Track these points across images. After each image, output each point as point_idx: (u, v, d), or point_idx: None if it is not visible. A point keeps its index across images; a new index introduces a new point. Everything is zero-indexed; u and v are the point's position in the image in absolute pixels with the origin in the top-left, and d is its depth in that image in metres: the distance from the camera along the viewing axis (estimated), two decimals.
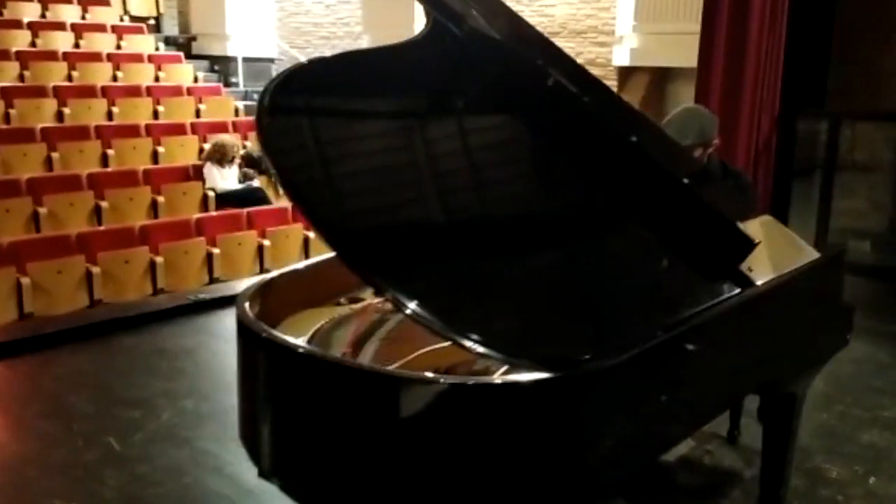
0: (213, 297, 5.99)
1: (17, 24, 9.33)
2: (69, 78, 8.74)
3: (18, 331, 5.35)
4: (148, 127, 8.23)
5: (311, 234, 7.40)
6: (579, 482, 1.98)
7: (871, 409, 4.30)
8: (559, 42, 3.50)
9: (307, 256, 7.43)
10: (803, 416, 3.15)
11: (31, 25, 9.42)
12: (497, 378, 2.01)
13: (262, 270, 7.12)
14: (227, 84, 10.18)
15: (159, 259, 6.47)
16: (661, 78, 7.49)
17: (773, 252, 2.61)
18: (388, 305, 2.65)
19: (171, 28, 11.24)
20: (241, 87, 10.39)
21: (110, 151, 7.78)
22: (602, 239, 2.43)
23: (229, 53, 10.73)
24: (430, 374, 2.00)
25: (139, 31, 10.21)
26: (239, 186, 7.81)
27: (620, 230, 2.46)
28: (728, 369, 2.44)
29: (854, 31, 6.79)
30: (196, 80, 9.64)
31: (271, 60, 11.01)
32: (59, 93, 8.24)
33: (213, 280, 6.80)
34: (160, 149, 8.06)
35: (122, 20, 10.47)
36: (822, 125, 6.83)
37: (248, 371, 2.23)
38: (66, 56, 9.00)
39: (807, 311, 2.88)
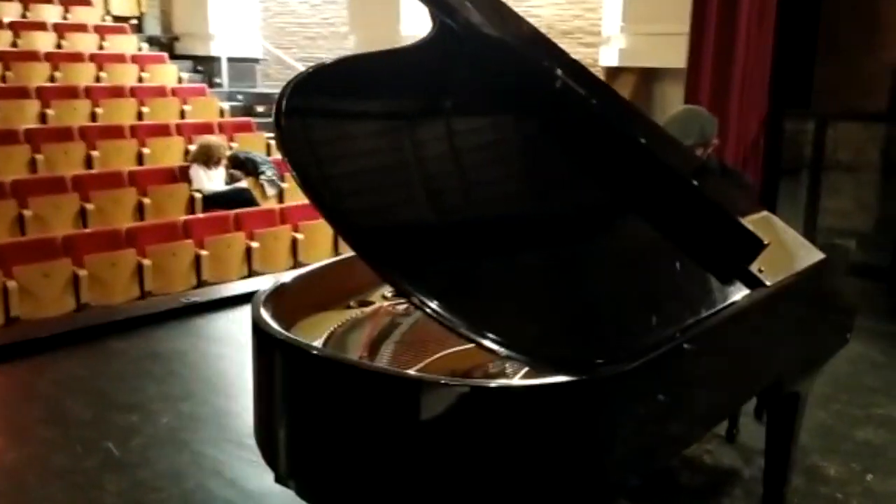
0: (206, 300, 5.96)
1: None
2: (52, 79, 8.66)
3: (7, 335, 5.29)
4: (132, 128, 8.17)
5: (300, 236, 7.38)
6: (598, 485, 1.98)
7: (866, 407, 4.34)
8: None
9: (295, 258, 7.41)
10: None
11: (11, 25, 9.32)
12: (517, 381, 2.01)
13: (251, 273, 7.09)
14: (211, 84, 10.11)
15: (147, 262, 6.43)
16: (648, 78, 7.51)
17: (780, 251, 2.63)
18: (400, 308, 2.66)
19: (153, 28, 11.16)
20: (226, 88, 10.33)
21: (95, 153, 7.72)
22: (615, 241, 2.44)
23: (213, 53, 10.66)
24: (451, 378, 1.99)
25: (121, 31, 10.13)
26: (226, 188, 7.77)
27: (633, 232, 2.47)
28: (740, 369, 2.47)
29: (839, 32, 6.86)
30: (180, 80, 9.57)
31: (256, 61, 10.96)
32: (41, 94, 8.16)
33: (201, 283, 6.76)
34: (145, 150, 8.00)
35: (103, 20, 10.38)
36: (809, 125, 6.90)
37: (265, 374, 2.22)
38: (48, 56, 8.91)
39: (813, 310, 2.92)
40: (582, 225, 2.43)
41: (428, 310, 1.88)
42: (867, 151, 6.80)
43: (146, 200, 7.29)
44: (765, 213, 3.02)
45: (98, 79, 8.90)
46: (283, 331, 2.16)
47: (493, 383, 2.00)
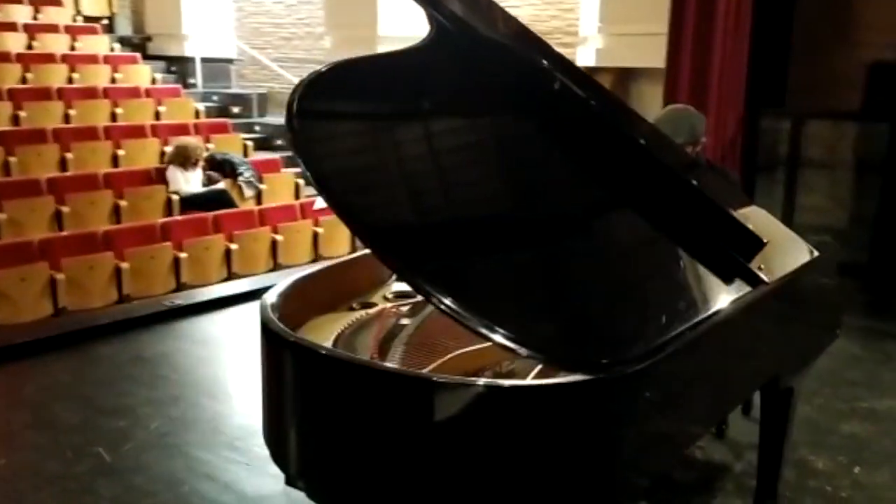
0: (190, 303, 5.92)
1: None
2: (23, 80, 8.54)
3: None
4: (107, 129, 8.07)
5: (280, 238, 7.35)
6: (612, 485, 2.00)
7: (849, 400, 4.42)
8: None
9: (275, 260, 7.38)
10: None
11: None
12: (531, 380, 2.02)
13: (230, 275, 7.04)
14: (185, 85, 10.02)
15: (125, 265, 6.35)
16: (625, 78, 7.57)
17: (775, 248, 2.67)
18: (403, 309, 2.68)
19: (124, 28, 11.03)
20: (200, 89, 10.24)
21: (69, 155, 7.62)
22: (621, 241, 2.46)
23: (187, 54, 10.57)
24: (468, 377, 2.00)
25: (93, 31, 10.01)
26: (203, 189, 7.70)
27: (637, 232, 2.49)
28: (742, 366, 2.51)
29: (813, 33, 6.97)
30: (154, 81, 9.48)
31: (230, 61, 10.88)
32: (13, 95, 8.04)
33: (180, 285, 6.70)
34: (120, 152, 7.91)
35: (74, 20, 10.25)
36: (784, 124, 7.00)
37: (276, 376, 2.22)
38: (19, 57, 8.78)
39: (807, 307, 2.97)
40: (588, 225, 2.45)
41: (444, 307, 1.88)
42: (841, 149, 6.91)
43: (122, 203, 7.21)
44: (753, 207, 3.08)
45: (70, 80, 8.78)
46: (293, 333, 2.16)
47: (507, 382, 2.01)
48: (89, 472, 3.60)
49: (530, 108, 2.60)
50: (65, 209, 6.87)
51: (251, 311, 6.06)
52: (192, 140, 7.96)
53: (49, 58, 8.94)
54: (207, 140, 8.38)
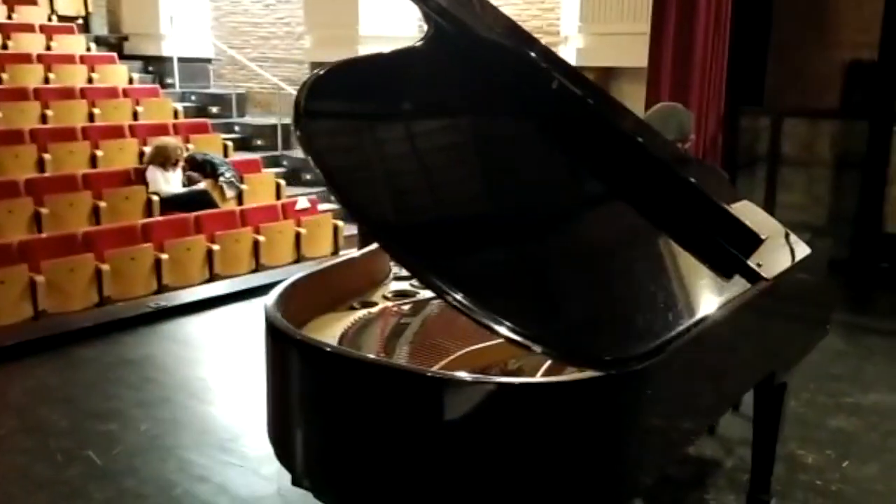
0: (174, 305, 5.88)
1: None
2: None
3: None
4: (84, 130, 7.98)
5: (262, 238, 7.31)
6: (622, 482, 2.01)
7: (835, 395, 4.48)
8: None
9: (257, 261, 7.34)
10: None
11: None
12: (541, 378, 2.03)
13: (212, 276, 6.99)
14: (163, 85, 9.94)
15: (105, 266, 6.28)
16: (606, 77, 7.62)
17: (772, 244, 2.71)
18: (405, 308, 2.68)
19: (100, 28, 10.92)
20: (178, 89, 10.16)
21: (47, 156, 7.52)
22: (624, 239, 2.48)
23: (164, 54, 10.48)
24: (480, 375, 2.01)
25: (69, 31, 9.89)
26: (184, 190, 7.65)
27: (638, 230, 2.51)
28: (743, 361, 2.53)
29: (790, 33, 7.06)
30: (131, 81, 9.39)
31: (208, 61, 10.81)
32: None
33: (161, 287, 6.64)
34: (98, 152, 7.83)
35: (50, 20, 10.13)
36: (763, 122, 7.08)
37: (282, 375, 2.20)
38: None
39: (802, 303, 3.00)
40: (592, 222, 2.47)
41: (456, 303, 1.88)
42: (821, 147, 7.00)
43: (102, 204, 7.13)
44: (745, 201, 3.11)
45: (47, 80, 8.68)
46: (300, 332, 2.15)
47: (518, 380, 2.01)
48: (80, 475, 3.57)
49: (530, 107, 2.61)
50: (44, 210, 6.79)
51: (236, 311, 6.06)
52: (172, 140, 7.89)
53: (25, 58, 8.83)
54: (187, 140, 8.31)
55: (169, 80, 10.27)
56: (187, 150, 8.03)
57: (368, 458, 2.05)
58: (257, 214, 7.58)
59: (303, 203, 8.06)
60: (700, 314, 2.22)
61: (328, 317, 2.55)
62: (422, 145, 2.36)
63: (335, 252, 7.95)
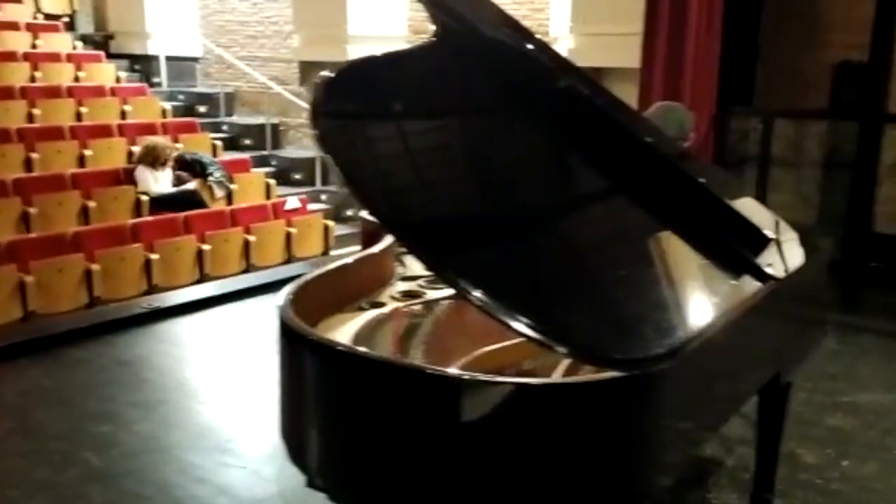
0: (168, 306, 5.83)
1: None
2: None
3: None
4: (72, 129, 7.90)
5: (252, 238, 7.27)
6: (641, 483, 2.01)
7: (831, 394, 4.51)
8: None
9: (248, 261, 7.30)
10: None
11: None
12: (562, 379, 2.03)
13: (203, 276, 6.94)
14: (150, 84, 9.85)
15: (95, 267, 6.22)
16: (596, 78, 7.63)
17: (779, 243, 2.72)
18: (415, 308, 2.67)
19: (85, 26, 10.82)
20: (165, 87, 10.08)
21: (34, 155, 7.44)
22: (638, 240, 2.48)
23: (150, 52, 10.40)
24: (501, 377, 2.00)
25: (55, 29, 9.79)
26: (173, 190, 7.59)
27: (653, 230, 2.51)
28: (756, 361, 2.54)
29: (780, 34, 7.10)
30: (118, 80, 9.31)
31: (195, 59, 10.73)
32: None
33: (151, 287, 6.59)
34: (87, 152, 7.75)
35: (35, 18, 10.03)
36: (753, 122, 7.11)
37: (296, 375, 2.19)
38: None
39: (808, 301, 3.02)
40: (606, 223, 2.47)
41: (477, 301, 1.87)
42: (811, 147, 7.05)
43: (91, 203, 7.06)
44: (747, 198, 3.12)
45: (33, 78, 8.58)
46: (315, 332, 2.14)
47: (536, 381, 2.01)
48: (79, 477, 3.53)
49: (540, 106, 2.62)
50: (32, 210, 6.71)
51: (228, 312, 6.02)
52: (161, 140, 7.84)
53: (10, 56, 8.73)
54: (175, 140, 8.24)
55: (156, 79, 10.19)
56: (176, 149, 7.97)
57: (385, 459, 2.04)
58: (247, 214, 7.54)
59: (293, 203, 8.02)
60: (715, 314, 2.22)
61: (338, 317, 2.54)
62: (436, 143, 2.37)
63: (325, 252, 7.93)
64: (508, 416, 1.91)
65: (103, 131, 8.04)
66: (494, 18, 2.78)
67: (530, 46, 2.73)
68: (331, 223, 8.03)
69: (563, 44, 7.83)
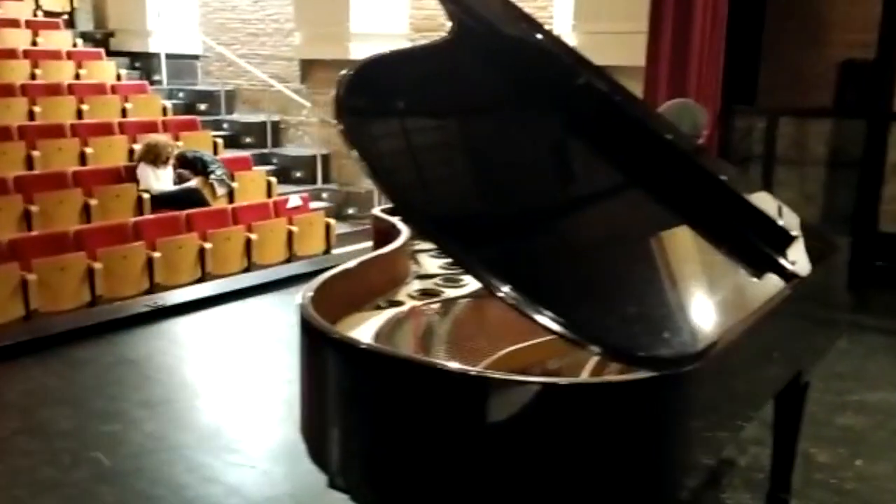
0: (175, 304, 5.80)
1: None
2: None
3: None
4: (73, 127, 7.86)
5: (253, 236, 7.24)
6: (671, 486, 1.99)
7: (841, 393, 4.49)
8: None
9: (249, 259, 7.27)
10: None
11: None
12: (591, 379, 2.01)
13: (204, 275, 6.91)
14: (150, 82, 9.81)
15: (97, 265, 6.18)
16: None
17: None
18: (433, 307, 2.64)
19: (85, 23, 10.76)
20: (165, 86, 10.04)
21: (35, 153, 7.40)
22: (664, 237, 2.46)
23: (151, 50, 10.35)
24: (529, 376, 1.97)
25: (55, 26, 9.74)
26: (175, 188, 7.56)
27: (678, 228, 2.49)
28: (778, 362, 2.52)
29: (783, 32, 7.09)
30: (119, 77, 9.27)
31: (196, 57, 10.68)
32: None
33: (153, 286, 6.55)
34: (88, 150, 7.70)
35: (35, 15, 9.98)
36: (757, 121, 7.10)
37: (319, 374, 2.16)
38: None
39: (827, 299, 3.01)
40: (632, 222, 2.44)
41: (505, 297, 1.85)
42: (816, 146, 7.03)
43: (92, 201, 7.02)
44: (762, 193, 3.10)
45: (34, 76, 8.54)
46: (338, 331, 2.11)
47: (569, 381, 1.98)
48: (89, 478, 3.50)
49: (558, 102, 2.59)
50: (33, 208, 6.67)
51: (231, 311, 5.99)
52: (163, 137, 7.80)
53: (11, 53, 8.68)
54: (176, 138, 8.21)
55: (156, 77, 10.15)
56: (178, 147, 7.94)
57: (408, 459, 2.01)
58: (249, 213, 7.51)
59: (294, 201, 7.99)
60: (742, 313, 2.20)
61: (357, 316, 2.51)
62: (458, 137, 2.37)
63: (327, 251, 7.90)
64: (536, 417, 1.88)
65: (104, 129, 8.00)
66: (510, 14, 2.76)
67: (548, 42, 2.71)
68: (332, 221, 8.00)
69: (566, 41, 7.81)
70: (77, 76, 8.86)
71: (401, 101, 2.29)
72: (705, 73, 6.58)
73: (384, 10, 9.02)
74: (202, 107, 9.95)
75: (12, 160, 7.22)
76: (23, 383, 4.49)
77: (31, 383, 4.49)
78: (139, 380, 4.58)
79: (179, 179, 7.64)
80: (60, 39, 9.52)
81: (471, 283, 2.81)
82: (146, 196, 7.33)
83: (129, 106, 8.57)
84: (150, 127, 8.24)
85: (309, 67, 9.69)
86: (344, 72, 2.20)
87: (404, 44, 8.20)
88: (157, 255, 6.55)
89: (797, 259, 2.51)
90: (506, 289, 1.85)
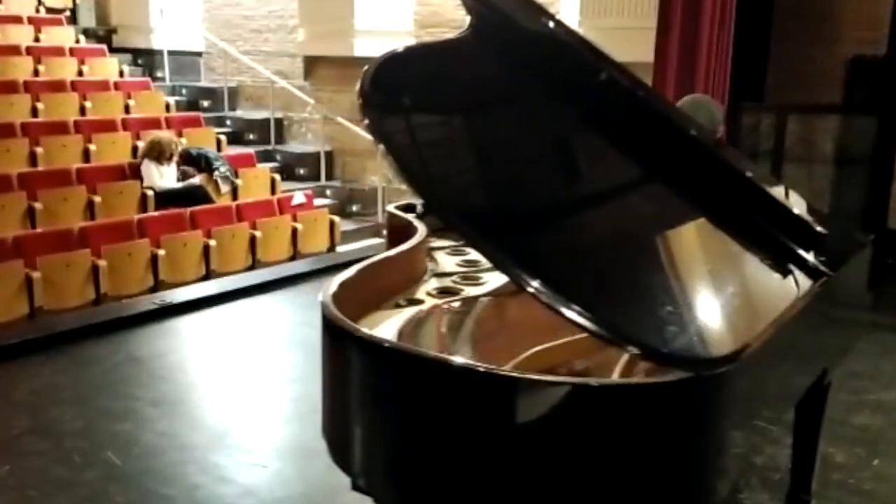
0: (181, 301, 5.76)
1: None
2: None
3: None
4: (77, 123, 7.83)
5: (258, 234, 7.20)
6: (705, 491, 1.95)
7: (857, 392, 4.45)
8: None
9: (254, 256, 7.23)
10: None
11: None
12: (617, 378, 1.97)
13: (209, 272, 6.87)
14: (153, 78, 9.77)
15: (102, 262, 6.14)
16: None
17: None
18: (454, 305, 2.60)
19: (87, 20, 10.71)
20: (168, 82, 9.99)
21: (39, 149, 7.36)
22: (689, 236, 2.42)
23: (154, 46, 10.30)
24: (561, 377, 1.94)
25: (57, 22, 9.70)
26: (179, 185, 7.52)
27: (708, 228, 2.45)
28: (807, 361, 2.49)
29: (791, 29, 7.05)
30: (122, 74, 9.23)
31: (199, 54, 10.64)
32: None
33: (158, 283, 6.51)
34: (91, 146, 7.67)
35: (37, 11, 9.92)
36: (765, 118, 7.06)
37: (342, 374, 2.12)
38: None
39: (850, 298, 2.97)
40: (661, 221, 2.39)
41: (536, 293, 1.81)
42: (822, 143, 6.99)
43: (96, 198, 6.98)
44: (781, 187, 3.07)
45: (37, 72, 8.50)
46: (362, 329, 2.07)
47: (596, 381, 1.94)
48: (100, 477, 3.46)
49: (581, 97, 2.54)
50: (37, 205, 6.63)
51: (237, 308, 5.95)
52: (167, 134, 7.75)
53: (13, 50, 8.63)
54: (180, 134, 8.17)
55: (159, 74, 10.11)
56: (181, 144, 7.89)
57: (434, 460, 1.97)
58: (253, 210, 7.48)
59: (299, 198, 7.95)
60: (774, 313, 2.16)
61: (378, 314, 2.47)
62: (482, 131, 2.32)
63: (331, 248, 7.87)
64: (567, 419, 1.84)
65: (107, 126, 7.97)
66: (529, 8, 2.71)
67: (568, 36, 2.66)
68: (336, 218, 7.96)
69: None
70: (80, 73, 8.82)
71: (423, 95, 2.25)
72: (714, 70, 6.53)
73: (388, 7, 8.98)
74: (205, 103, 9.91)
75: (16, 157, 7.19)
76: (30, 382, 4.45)
77: (38, 382, 4.45)
78: (147, 378, 4.53)
79: (183, 176, 7.61)
80: (63, 36, 9.48)
81: (490, 281, 2.78)
82: (150, 193, 7.30)
83: (132, 103, 8.54)
84: (154, 124, 8.20)
85: (312, 64, 9.64)
86: (367, 67, 2.16)
87: (409, 40, 8.16)
88: (161, 252, 6.51)
89: (825, 257, 2.48)
90: (535, 283, 1.82)
